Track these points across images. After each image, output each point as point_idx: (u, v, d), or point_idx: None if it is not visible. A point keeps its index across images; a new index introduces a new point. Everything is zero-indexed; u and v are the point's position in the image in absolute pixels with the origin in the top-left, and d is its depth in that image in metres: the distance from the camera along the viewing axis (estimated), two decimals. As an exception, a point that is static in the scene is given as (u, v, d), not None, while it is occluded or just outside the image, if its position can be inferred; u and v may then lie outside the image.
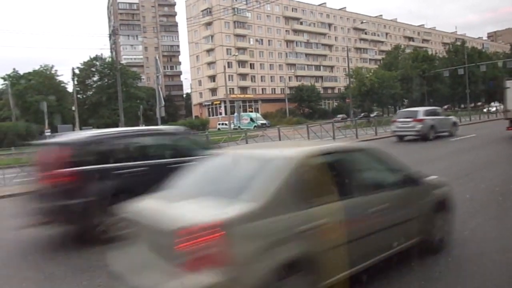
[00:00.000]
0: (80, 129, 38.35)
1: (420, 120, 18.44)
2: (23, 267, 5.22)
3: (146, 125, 73.79)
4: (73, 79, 38.34)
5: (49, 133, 28.37)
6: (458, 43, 78.74)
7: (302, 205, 3.17)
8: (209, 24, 77.74)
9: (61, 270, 4.85)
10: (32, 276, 4.81)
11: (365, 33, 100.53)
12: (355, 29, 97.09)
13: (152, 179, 4.59)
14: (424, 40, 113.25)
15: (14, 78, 56.71)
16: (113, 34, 31.93)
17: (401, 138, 19.58)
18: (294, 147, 4.36)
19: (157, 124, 17.76)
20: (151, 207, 3.49)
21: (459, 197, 7.23)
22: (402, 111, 22.51)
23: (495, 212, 6.10)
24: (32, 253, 5.73)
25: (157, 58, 15.62)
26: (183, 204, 3.31)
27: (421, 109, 20.23)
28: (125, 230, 3.63)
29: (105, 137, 6.54)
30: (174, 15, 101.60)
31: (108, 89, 59.70)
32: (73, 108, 40.63)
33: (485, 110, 48.87)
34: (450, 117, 22.82)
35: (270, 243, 2.91)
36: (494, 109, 47.15)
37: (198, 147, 7.01)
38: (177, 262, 2.75)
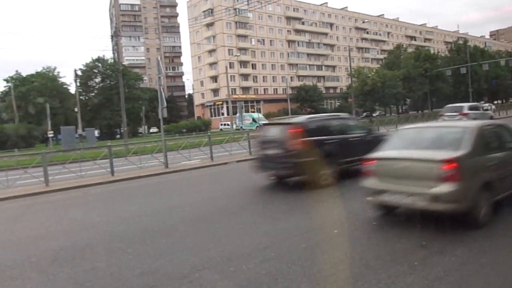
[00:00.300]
0: (83, 130, 38.42)
1: (465, 114, 20.72)
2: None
3: (148, 126, 73.75)
4: (75, 81, 38.47)
5: (51, 135, 28.39)
6: (461, 42, 78.44)
7: (484, 153, 5.54)
8: (210, 24, 77.79)
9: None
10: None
11: (367, 33, 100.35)
12: (357, 28, 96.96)
13: (342, 147, 9.22)
14: (426, 39, 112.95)
15: (17, 80, 56.94)
16: (115, 35, 31.95)
17: None
18: (470, 122, 7.72)
19: (159, 125, 17.78)
20: (404, 153, 5.84)
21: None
22: (448, 106, 25.14)
23: (504, 209, 6.07)
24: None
25: (159, 59, 15.62)
26: (423, 151, 5.66)
27: (466, 104, 23.76)
28: (375, 168, 5.85)
29: (317, 119, 10.04)
30: (175, 16, 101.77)
31: (111, 91, 59.86)
32: (76, 109, 40.70)
33: None
34: (487, 111, 25.63)
35: (476, 171, 5.31)
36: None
37: (361, 127, 10.99)
38: (438, 178, 5.10)
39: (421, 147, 5.85)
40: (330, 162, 8.82)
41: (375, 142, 8.99)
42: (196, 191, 10.15)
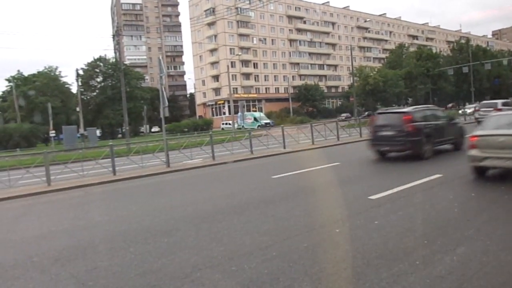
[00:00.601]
0: (84, 130, 38.49)
1: (499, 109, 22.63)
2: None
3: (150, 126, 73.72)
4: (77, 80, 38.51)
5: (53, 134, 28.44)
6: (463, 41, 78.28)
7: None
8: (212, 24, 77.81)
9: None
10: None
11: (369, 32, 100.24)
12: (359, 27, 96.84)
13: (437, 131, 12.17)
14: (428, 39, 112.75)
15: (19, 80, 57.07)
16: (117, 34, 31.96)
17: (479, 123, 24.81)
18: None
19: (160, 124, 17.83)
20: (500, 131, 7.92)
21: (465, 194, 7.26)
22: (483, 102, 29.62)
23: (500, 211, 6.07)
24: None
25: (160, 58, 15.61)
26: None
27: (499, 101, 27.73)
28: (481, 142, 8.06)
29: (419, 109, 12.91)
30: (177, 15, 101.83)
31: (112, 90, 59.92)
32: (77, 109, 40.74)
33: (460, 112, 44.14)
34: None
35: None
36: (471, 110, 43.04)
37: (446, 116, 14.16)
38: None
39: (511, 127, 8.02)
40: (429, 141, 11.78)
41: (455, 127, 13.59)
42: (197, 190, 10.17)
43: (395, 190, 7.70)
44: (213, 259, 4.77)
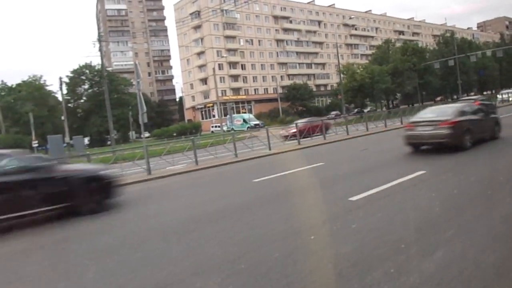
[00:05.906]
0: (70, 139, 37.90)
1: None
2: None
3: (135, 132, 73.25)
4: (61, 89, 37.95)
5: (36, 145, 27.77)
6: (448, 34, 78.75)
7: None
8: (198, 27, 77.44)
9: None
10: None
11: (355, 29, 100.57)
12: (345, 25, 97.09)
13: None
14: (414, 33, 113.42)
15: (3, 90, 56.28)
16: (98, 40, 31.52)
17: None
18: None
19: (150, 130, 17.45)
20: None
21: (447, 191, 6.99)
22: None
23: (482, 208, 5.83)
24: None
25: (137, 63, 15.24)
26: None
27: None
28: None
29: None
30: (163, 19, 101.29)
31: (99, 97, 59.27)
32: (62, 117, 40.15)
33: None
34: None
35: None
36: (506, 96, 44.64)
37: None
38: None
39: None
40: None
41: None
42: (175, 198, 9.85)
43: (377, 189, 7.45)
44: (177, 274, 4.45)
